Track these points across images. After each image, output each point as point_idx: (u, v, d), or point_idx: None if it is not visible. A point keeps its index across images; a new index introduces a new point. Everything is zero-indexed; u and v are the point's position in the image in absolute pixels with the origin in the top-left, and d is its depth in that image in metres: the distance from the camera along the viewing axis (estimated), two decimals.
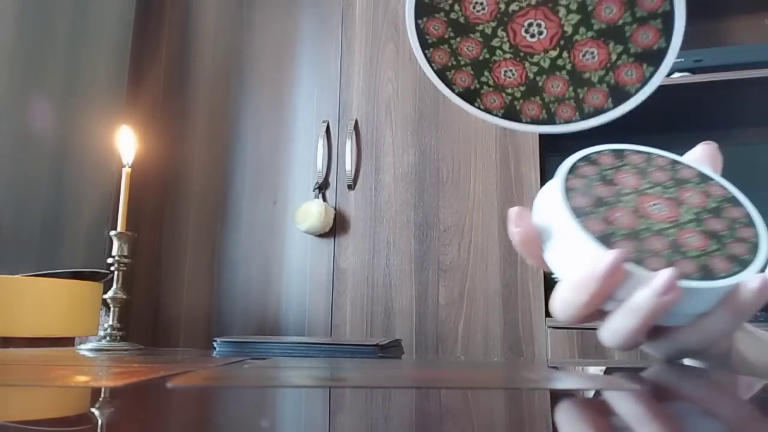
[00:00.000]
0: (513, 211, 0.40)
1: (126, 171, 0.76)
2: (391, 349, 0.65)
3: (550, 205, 0.38)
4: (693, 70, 1.54)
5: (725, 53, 1.55)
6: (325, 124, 1.63)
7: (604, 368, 0.39)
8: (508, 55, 0.34)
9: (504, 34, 0.34)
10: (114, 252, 0.72)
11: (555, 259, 0.38)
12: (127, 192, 0.76)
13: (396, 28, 1.62)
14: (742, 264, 0.36)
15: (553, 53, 0.33)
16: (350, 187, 1.59)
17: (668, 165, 0.42)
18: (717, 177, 0.42)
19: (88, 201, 1.66)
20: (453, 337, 1.49)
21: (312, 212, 1.55)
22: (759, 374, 0.40)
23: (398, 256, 1.54)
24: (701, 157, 0.44)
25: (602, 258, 0.35)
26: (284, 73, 1.70)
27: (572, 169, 0.40)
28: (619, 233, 0.37)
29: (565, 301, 0.37)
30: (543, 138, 1.54)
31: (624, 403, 0.25)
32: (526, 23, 0.34)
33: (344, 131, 1.62)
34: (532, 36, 0.34)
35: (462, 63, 0.34)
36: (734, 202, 0.41)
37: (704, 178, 0.42)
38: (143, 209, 1.68)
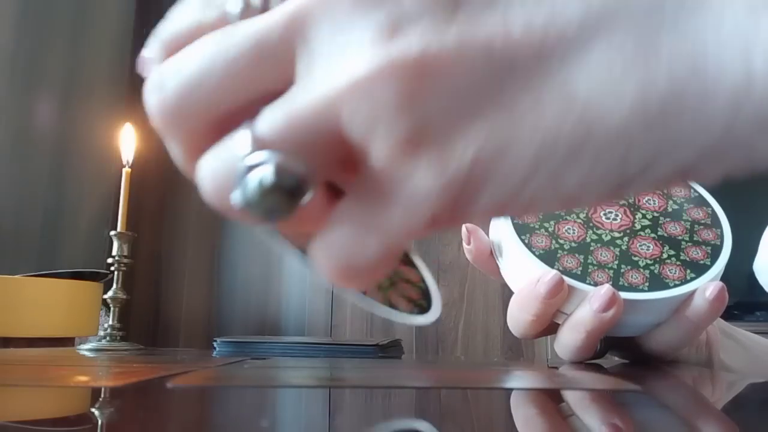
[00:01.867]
0: (465, 228, 0.40)
1: (126, 171, 0.76)
2: (391, 349, 0.65)
3: (500, 222, 0.39)
4: None
5: None
6: None
7: (606, 368, 0.39)
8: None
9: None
10: (114, 252, 0.72)
11: (507, 275, 0.39)
12: (127, 192, 0.76)
13: None
14: (699, 270, 0.36)
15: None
16: None
17: None
18: None
19: (88, 201, 1.66)
20: (453, 337, 1.49)
21: None
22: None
23: None
24: None
25: (542, 278, 0.35)
26: None
27: None
28: (565, 248, 0.37)
29: (513, 318, 0.37)
30: None
31: (625, 404, 0.25)
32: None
33: None
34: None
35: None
36: (698, 201, 0.40)
37: None
38: (143, 209, 1.68)
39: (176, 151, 0.18)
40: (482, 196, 0.15)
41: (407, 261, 0.26)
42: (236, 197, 0.15)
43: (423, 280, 0.27)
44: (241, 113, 0.16)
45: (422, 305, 0.27)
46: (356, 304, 0.28)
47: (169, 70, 0.17)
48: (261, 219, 0.15)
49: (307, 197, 0.15)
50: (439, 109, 0.15)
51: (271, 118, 0.15)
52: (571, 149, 0.15)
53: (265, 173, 0.15)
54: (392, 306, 0.28)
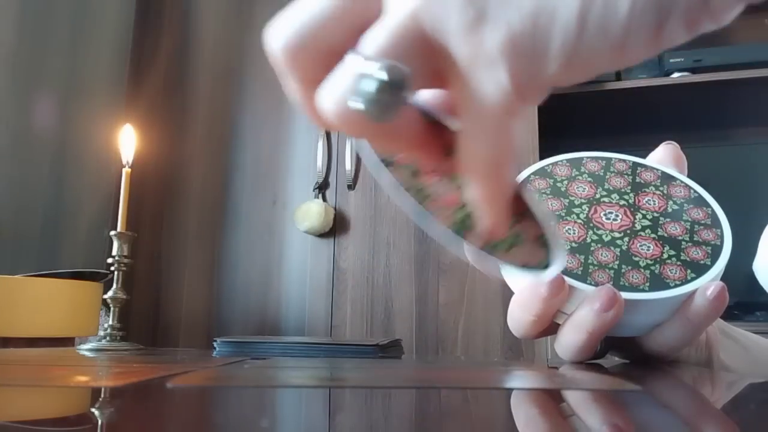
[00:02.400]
0: None
1: (126, 171, 0.76)
2: (391, 349, 0.65)
3: None
4: (693, 70, 1.54)
5: (725, 53, 1.55)
6: None
7: (606, 367, 0.39)
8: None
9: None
10: (114, 252, 0.72)
11: (507, 276, 0.38)
12: (127, 192, 0.76)
13: None
14: (699, 270, 0.36)
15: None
16: (350, 187, 1.59)
17: (628, 170, 0.42)
18: (681, 177, 0.41)
19: (88, 201, 1.66)
20: (453, 338, 1.49)
21: (312, 212, 1.55)
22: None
23: (398, 256, 1.54)
24: (664, 158, 0.43)
25: (543, 278, 0.34)
26: None
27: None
28: (565, 248, 0.37)
29: (514, 319, 0.37)
30: (542, 140, 1.54)
31: (625, 404, 0.25)
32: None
33: None
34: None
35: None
36: (698, 202, 0.40)
37: (666, 180, 0.41)
38: (143, 209, 1.68)
39: (294, 87, 0.24)
40: (549, 57, 0.21)
41: (527, 212, 0.27)
42: (355, 101, 0.21)
43: (543, 233, 0.27)
44: (343, 52, 0.22)
45: (537, 269, 0.28)
46: (477, 260, 0.29)
47: (286, 19, 0.22)
48: (376, 115, 0.21)
49: (410, 94, 0.21)
50: None
51: (373, 39, 0.21)
52: None
53: (378, 74, 0.20)
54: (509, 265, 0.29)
